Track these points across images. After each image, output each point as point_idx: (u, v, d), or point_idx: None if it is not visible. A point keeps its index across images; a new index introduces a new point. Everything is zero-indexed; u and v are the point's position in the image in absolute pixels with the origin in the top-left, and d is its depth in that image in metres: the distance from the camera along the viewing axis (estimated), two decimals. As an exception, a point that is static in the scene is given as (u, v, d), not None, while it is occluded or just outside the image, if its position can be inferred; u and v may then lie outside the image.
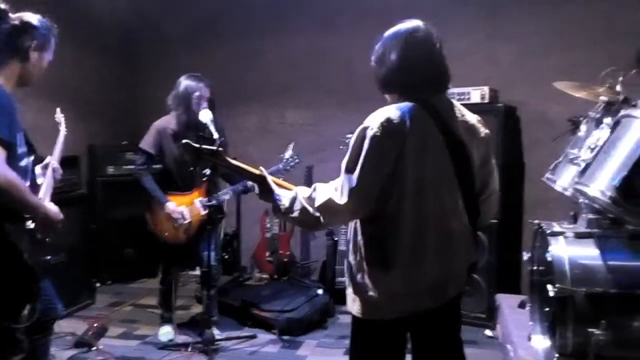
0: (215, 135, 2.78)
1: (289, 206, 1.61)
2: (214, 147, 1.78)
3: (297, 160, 3.30)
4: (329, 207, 1.53)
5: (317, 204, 1.54)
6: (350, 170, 1.52)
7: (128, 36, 5.15)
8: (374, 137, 1.49)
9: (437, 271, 1.56)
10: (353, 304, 1.64)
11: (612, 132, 1.99)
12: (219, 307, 3.52)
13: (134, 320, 3.74)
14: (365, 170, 1.49)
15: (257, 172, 1.74)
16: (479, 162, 1.66)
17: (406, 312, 1.58)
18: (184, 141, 1.81)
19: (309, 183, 4.43)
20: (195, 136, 3.07)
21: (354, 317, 1.66)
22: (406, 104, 1.55)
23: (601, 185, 1.88)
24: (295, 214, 1.59)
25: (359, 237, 1.61)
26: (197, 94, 3.16)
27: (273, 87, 4.77)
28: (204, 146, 1.77)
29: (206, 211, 3.19)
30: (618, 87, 2.33)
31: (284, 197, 1.65)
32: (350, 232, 1.67)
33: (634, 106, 2.09)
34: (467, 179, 1.61)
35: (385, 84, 1.67)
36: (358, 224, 1.62)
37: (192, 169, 3.16)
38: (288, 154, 3.34)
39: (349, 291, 1.66)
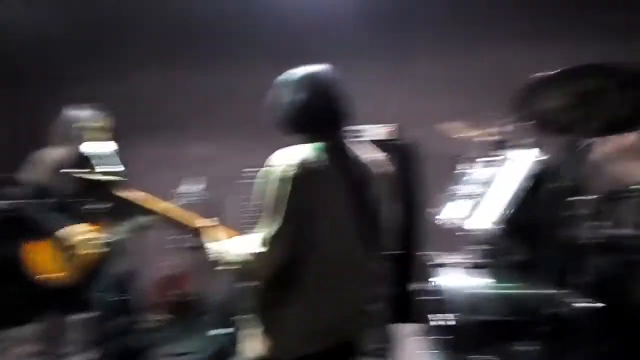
0: (112, 169, 2.65)
1: (221, 257, 1.61)
2: (104, 178, 1.70)
3: (204, 195, 3.24)
4: (257, 257, 1.53)
5: (245, 255, 1.55)
6: (266, 217, 1.52)
7: (16, 63, 4.80)
8: (292, 179, 1.50)
9: (342, 308, 1.59)
10: (256, 346, 1.61)
11: (499, 170, 2.17)
12: (115, 352, 3.27)
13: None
14: (289, 215, 1.50)
15: (190, 223, 1.76)
16: (379, 199, 1.72)
17: (307, 351, 1.57)
18: (77, 173, 1.70)
19: (212, 217, 4.33)
20: (81, 169, 2.94)
21: (257, 358, 1.63)
22: (311, 145, 1.59)
23: (489, 219, 2.02)
24: (228, 265, 1.60)
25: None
26: (81, 124, 3.02)
27: (174, 119, 4.67)
28: (103, 178, 1.68)
29: (102, 249, 3.00)
30: (504, 129, 2.56)
31: (214, 249, 1.65)
32: None
33: (518, 146, 2.30)
34: (368, 215, 1.65)
35: (285, 125, 1.70)
36: None
37: (87, 204, 2.97)
38: (193, 188, 3.27)
39: (253, 333, 1.64)
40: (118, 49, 4.74)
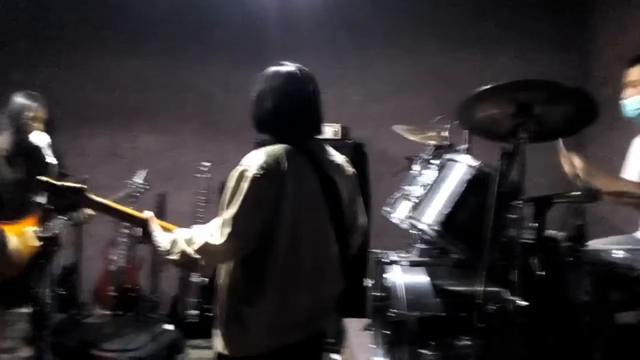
0: (51, 160, 2.57)
1: (169, 249, 1.58)
2: (78, 185, 1.66)
3: (146, 187, 3.19)
4: (206, 249, 1.52)
5: (195, 247, 1.53)
6: (227, 211, 1.53)
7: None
8: (252, 179, 1.52)
9: (310, 302, 1.63)
10: (222, 343, 1.62)
11: (439, 173, 2.26)
12: (53, 349, 3.16)
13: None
14: (243, 211, 1.51)
15: (141, 216, 1.70)
16: (348, 199, 1.77)
17: (277, 345, 1.60)
18: (41, 178, 1.66)
19: (161, 211, 4.27)
20: (27, 160, 2.85)
21: (222, 357, 1.63)
22: (282, 146, 1.61)
23: (429, 219, 2.11)
24: (175, 256, 1.56)
25: (234, 273, 1.61)
26: (30, 114, 2.89)
27: (124, 110, 4.55)
28: (66, 183, 1.64)
29: (40, 242, 2.90)
30: (445, 133, 2.68)
31: (164, 239, 1.61)
32: (221, 268, 1.66)
33: (457, 151, 2.41)
34: (339, 215, 1.70)
35: (261, 125, 1.71)
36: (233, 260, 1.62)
37: (27, 196, 2.85)
38: (137, 179, 3.21)
39: (218, 330, 1.64)
40: (72, 37, 4.57)
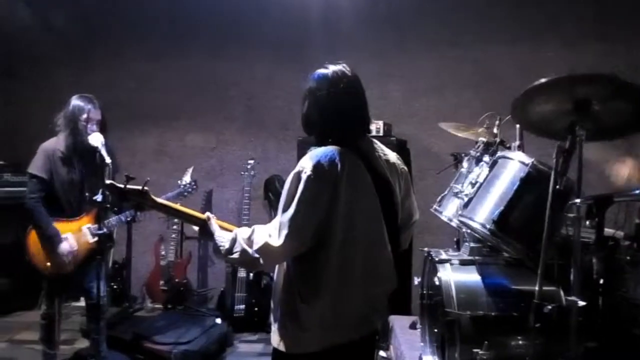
0: (107, 160, 2.66)
1: (229, 248, 1.62)
2: (141, 187, 1.73)
3: (194, 187, 3.29)
4: (266, 250, 1.56)
5: (255, 247, 1.57)
6: (285, 213, 1.56)
7: (9, 50, 4.74)
8: (308, 180, 1.55)
9: (364, 302, 1.65)
10: (279, 340, 1.65)
11: (490, 170, 2.23)
12: (108, 341, 3.28)
13: (11, 358, 3.43)
14: (300, 213, 1.54)
15: (201, 216, 1.75)
16: (402, 196, 1.78)
17: (332, 343, 1.62)
18: (107, 182, 1.75)
19: (208, 207, 4.37)
20: (82, 160, 2.96)
21: (277, 352, 1.66)
22: (336, 147, 1.62)
23: (481, 218, 2.09)
24: (236, 255, 1.61)
25: (290, 272, 1.65)
26: (85, 115, 2.99)
27: (171, 110, 4.67)
28: (130, 186, 1.71)
29: (95, 239, 3.01)
30: (495, 130, 2.63)
31: (225, 239, 1.65)
32: (279, 267, 1.69)
33: (509, 148, 2.37)
34: (391, 213, 1.72)
35: (312, 127, 1.72)
36: (289, 259, 1.65)
37: (83, 195, 2.97)
38: (186, 179, 3.29)
39: (275, 327, 1.68)
40: (118, 40, 4.72)
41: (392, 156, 1.81)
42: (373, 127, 3.81)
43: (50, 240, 2.93)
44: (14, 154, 4.11)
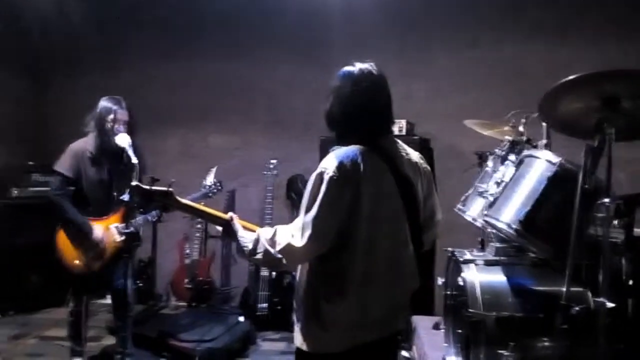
0: (134, 160, 2.71)
1: (252, 248, 1.63)
2: (166, 188, 1.76)
3: (219, 187, 3.33)
4: (288, 250, 1.57)
5: (278, 247, 1.58)
6: (307, 213, 1.56)
7: (38, 54, 4.87)
8: (330, 181, 1.54)
9: (387, 302, 1.65)
10: (302, 339, 1.66)
11: (516, 169, 2.20)
12: (133, 339, 3.35)
13: (39, 354, 3.49)
14: (322, 213, 1.54)
15: (224, 216, 1.76)
16: (425, 195, 1.77)
17: (355, 343, 1.62)
18: (133, 183, 1.79)
19: (231, 207, 4.41)
20: (110, 160, 3.03)
21: (301, 352, 1.67)
22: (358, 147, 1.62)
23: (507, 218, 2.05)
24: (259, 255, 1.62)
25: (313, 272, 1.65)
26: (112, 116, 3.05)
27: (194, 112, 4.73)
28: (155, 188, 1.74)
29: (122, 237, 3.07)
30: (521, 128, 2.58)
31: (248, 239, 1.66)
32: (301, 266, 1.70)
33: (535, 147, 2.33)
34: (414, 213, 1.70)
35: (336, 124, 1.71)
36: (312, 259, 1.65)
37: (111, 194, 3.03)
38: (209, 180, 3.33)
39: (298, 326, 1.68)
40: (145, 44, 4.81)
41: (415, 155, 1.80)
42: (395, 126, 3.79)
43: (81, 229, 2.99)
44: (43, 155, 4.21)
